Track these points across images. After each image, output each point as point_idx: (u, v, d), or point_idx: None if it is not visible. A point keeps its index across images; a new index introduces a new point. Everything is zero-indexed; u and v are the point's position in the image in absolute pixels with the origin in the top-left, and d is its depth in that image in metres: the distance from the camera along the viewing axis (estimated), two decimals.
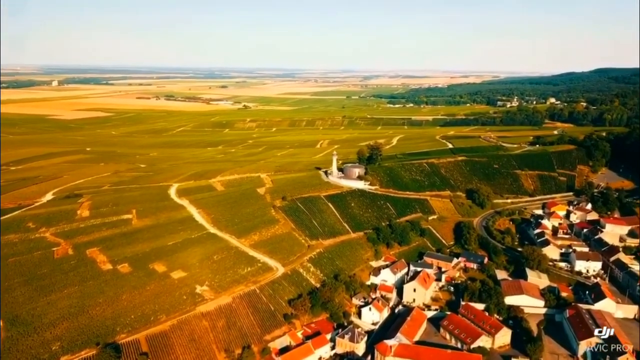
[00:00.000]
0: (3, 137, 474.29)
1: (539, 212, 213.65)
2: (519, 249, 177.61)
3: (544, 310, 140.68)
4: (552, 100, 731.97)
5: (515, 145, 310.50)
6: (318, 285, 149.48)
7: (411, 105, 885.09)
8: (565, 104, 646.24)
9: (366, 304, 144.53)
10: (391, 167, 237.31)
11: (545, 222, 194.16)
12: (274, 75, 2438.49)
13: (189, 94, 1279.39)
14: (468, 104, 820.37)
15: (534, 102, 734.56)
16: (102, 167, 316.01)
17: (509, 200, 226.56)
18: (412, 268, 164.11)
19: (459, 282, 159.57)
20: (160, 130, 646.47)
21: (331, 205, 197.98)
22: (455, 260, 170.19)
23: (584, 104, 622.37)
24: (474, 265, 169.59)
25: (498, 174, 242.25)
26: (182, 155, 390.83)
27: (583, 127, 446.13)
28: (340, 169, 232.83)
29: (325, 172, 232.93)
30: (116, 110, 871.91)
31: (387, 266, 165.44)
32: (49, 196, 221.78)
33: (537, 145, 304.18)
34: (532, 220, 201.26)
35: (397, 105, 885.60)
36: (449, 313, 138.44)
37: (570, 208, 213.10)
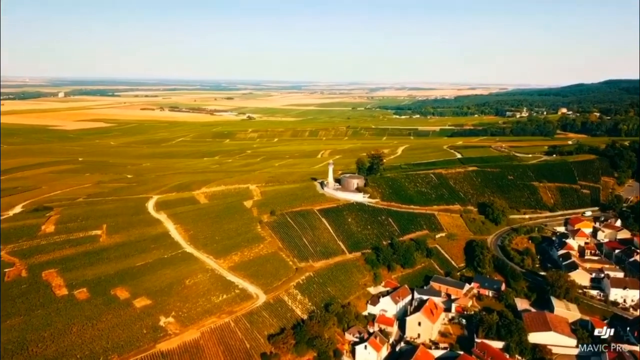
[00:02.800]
0: None
1: (561, 229, 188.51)
2: (542, 273, 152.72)
3: (575, 351, 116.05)
4: (564, 110, 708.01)
5: (530, 155, 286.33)
6: (305, 317, 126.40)
7: (418, 116, 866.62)
8: (578, 114, 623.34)
9: (362, 340, 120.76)
10: (394, 177, 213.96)
11: (570, 241, 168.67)
12: (280, 87, 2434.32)
13: (193, 105, 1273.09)
14: (476, 115, 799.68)
15: (545, 113, 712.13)
16: (87, 178, 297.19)
17: (526, 216, 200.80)
18: (416, 295, 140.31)
19: (472, 312, 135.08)
20: (159, 141, 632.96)
21: (325, 221, 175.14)
22: (467, 286, 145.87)
23: (598, 114, 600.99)
24: (490, 293, 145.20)
25: (513, 186, 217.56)
26: (175, 166, 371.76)
27: (597, 138, 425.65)
28: (337, 180, 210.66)
29: (321, 183, 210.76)
30: (118, 121, 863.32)
31: (387, 293, 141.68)
32: (17, 209, 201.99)
33: (554, 155, 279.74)
34: (554, 239, 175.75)
35: (403, 116, 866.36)
36: (461, 353, 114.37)
37: (597, 225, 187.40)
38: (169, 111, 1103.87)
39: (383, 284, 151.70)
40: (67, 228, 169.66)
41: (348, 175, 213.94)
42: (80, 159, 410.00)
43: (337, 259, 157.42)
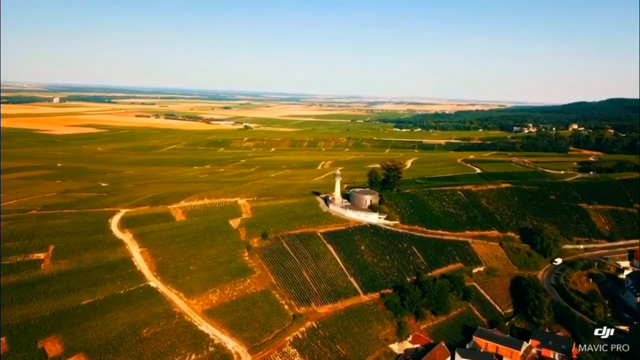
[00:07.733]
0: None
1: (625, 263, 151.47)
2: (620, 327, 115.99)
3: None
4: (575, 126, 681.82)
5: (562, 172, 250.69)
6: None
7: (419, 129, 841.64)
8: (591, 131, 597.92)
9: None
10: (415, 194, 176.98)
11: None
12: (278, 99, 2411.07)
13: (190, 113, 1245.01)
14: (480, 130, 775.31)
15: (554, 129, 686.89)
16: (56, 185, 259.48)
17: (580, 246, 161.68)
18: (458, 359, 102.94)
19: None
20: (149, 148, 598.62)
21: (331, 248, 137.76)
22: (524, 345, 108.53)
23: (612, 130, 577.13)
24: (555, 355, 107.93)
25: (558, 207, 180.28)
26: (160, 175, 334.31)
27: (615, 155, 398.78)
28: (345, 195, 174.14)
29: (325, 199, 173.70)
30: (111, 127, 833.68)
31: (417, 353, 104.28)
32: None
33: (591, 172, 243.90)
34: (626, 278, 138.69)
35: (404, 130, 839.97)
36: None
37: None
38: (164, 119, 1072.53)
39: (410, 338, 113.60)
40: (4, 249, 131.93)
41: (358, 190, 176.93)
42: (58, 165, 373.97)
43: (348, 303, 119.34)
